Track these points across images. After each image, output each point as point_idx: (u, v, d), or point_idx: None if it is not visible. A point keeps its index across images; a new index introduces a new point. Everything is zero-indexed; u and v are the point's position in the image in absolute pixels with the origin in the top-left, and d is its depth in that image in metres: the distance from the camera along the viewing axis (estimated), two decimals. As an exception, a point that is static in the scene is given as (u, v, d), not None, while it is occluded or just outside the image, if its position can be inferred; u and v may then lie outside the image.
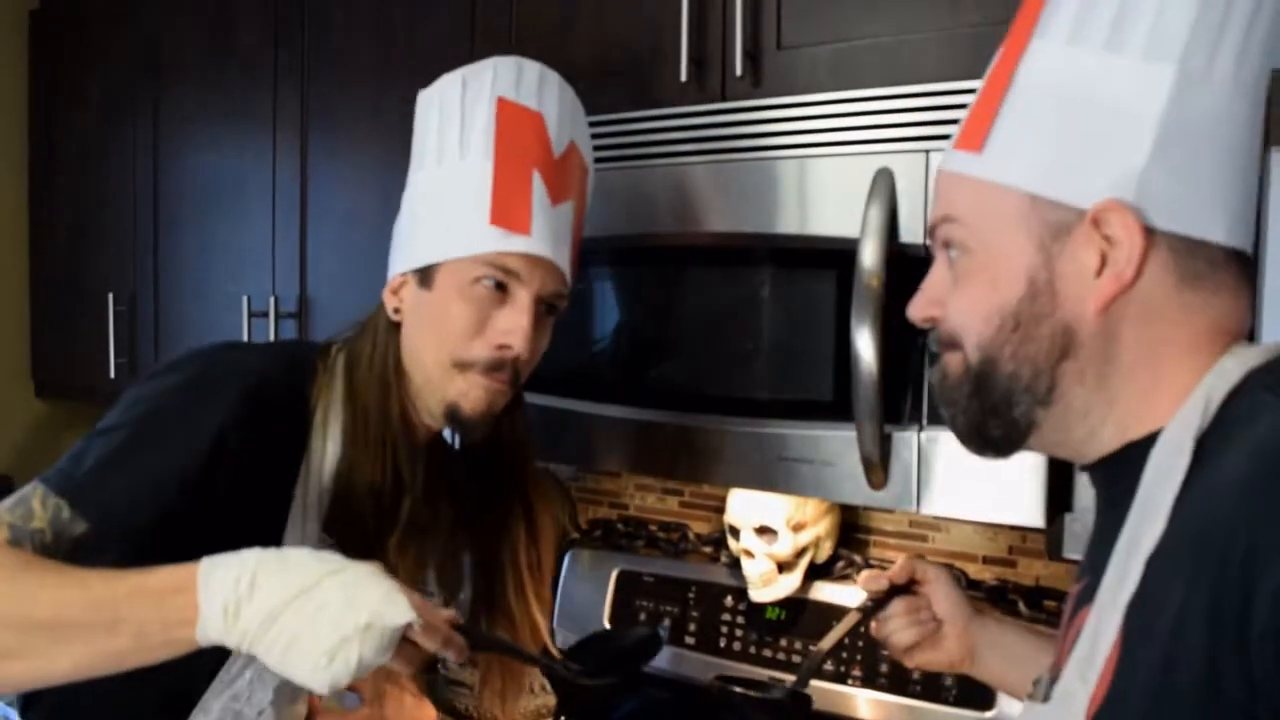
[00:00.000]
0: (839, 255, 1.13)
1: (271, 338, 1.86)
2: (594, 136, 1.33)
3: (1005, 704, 1.34)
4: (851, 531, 1.63)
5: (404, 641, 0.83)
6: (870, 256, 1.07)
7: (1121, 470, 0.68)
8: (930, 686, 1.41)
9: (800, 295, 1.20)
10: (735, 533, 1.56)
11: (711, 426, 1.25)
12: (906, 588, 1.03)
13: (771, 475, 1.21)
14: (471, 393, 1.03)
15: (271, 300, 1.87)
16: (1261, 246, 0.94)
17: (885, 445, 1.11)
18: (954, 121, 0.85)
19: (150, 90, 2.12)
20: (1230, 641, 0.55)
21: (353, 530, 1.04)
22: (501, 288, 1.01)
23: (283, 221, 1.88)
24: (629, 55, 1.40)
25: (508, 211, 1.01)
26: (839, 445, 1.15)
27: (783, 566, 1.51)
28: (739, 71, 1.27)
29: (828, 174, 1.16)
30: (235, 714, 1.05)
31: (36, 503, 0.90)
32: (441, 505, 1.15)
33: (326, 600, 0.80)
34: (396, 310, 1.06)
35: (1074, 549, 1.12)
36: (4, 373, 2.44)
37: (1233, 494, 0.58)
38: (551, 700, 1.70)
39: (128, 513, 0.92)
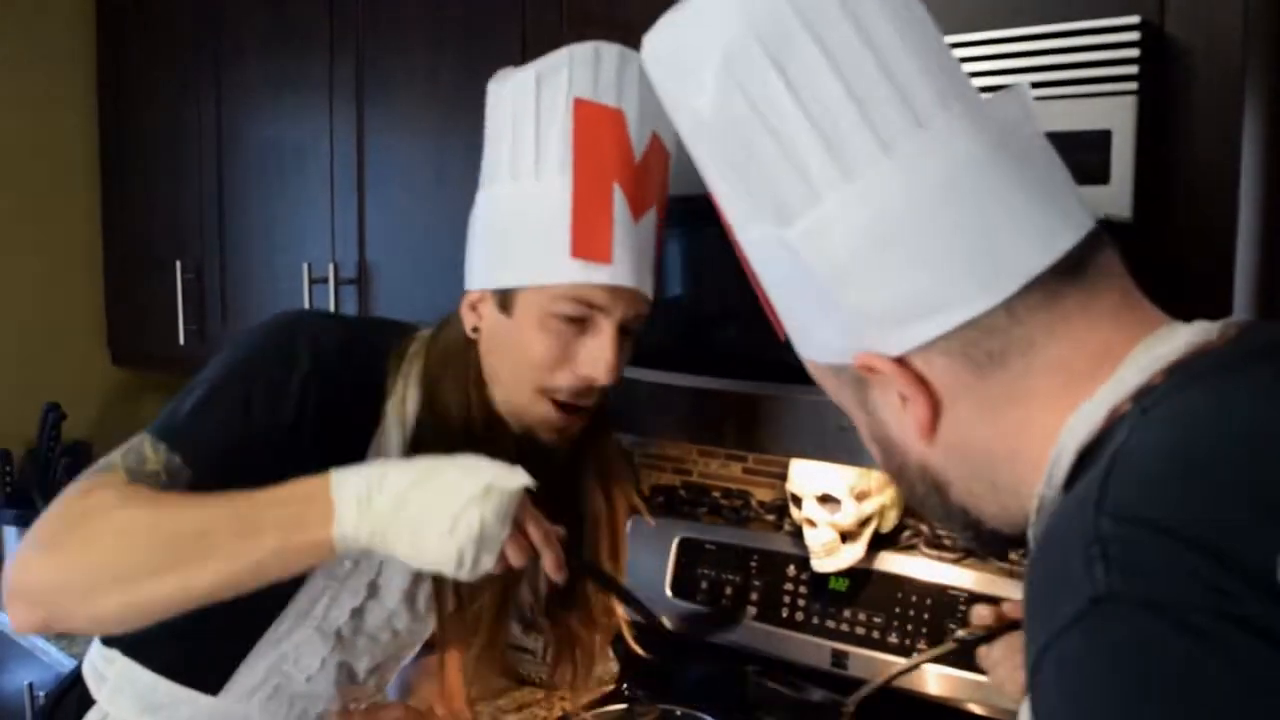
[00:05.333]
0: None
1: (332, 305, 1.87)
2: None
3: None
4: (919, 500, 1.58)
5: (509, 539, 0.85)
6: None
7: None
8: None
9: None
10: (798, 501, 1.52)
11: (770, 394, 1.21)
12: (1018, 623, 0.92)
13: (830, 445, 1.17)
14: (550, 422, 1.01)
15: (331, 267, 1.87)
16: None
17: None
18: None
19: (212, 62, 2.13)
20: None
21: None
22: (582, 319, 0.98)
23: (340, 189, 1.87)
24: None
25: (589, 240, 0.96)
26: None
27: (846, 536, 1.47)
28: None
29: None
30: (284, 675, 1.05)
31: (148, 449, 0.94)
32: None
33: (448, 476, 0.83)
34: (475, 329, 1.03)
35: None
36: (83, 341, 2.51)
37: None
38: (615, 668, 1.70)
39: (221, 452, 0.95)
